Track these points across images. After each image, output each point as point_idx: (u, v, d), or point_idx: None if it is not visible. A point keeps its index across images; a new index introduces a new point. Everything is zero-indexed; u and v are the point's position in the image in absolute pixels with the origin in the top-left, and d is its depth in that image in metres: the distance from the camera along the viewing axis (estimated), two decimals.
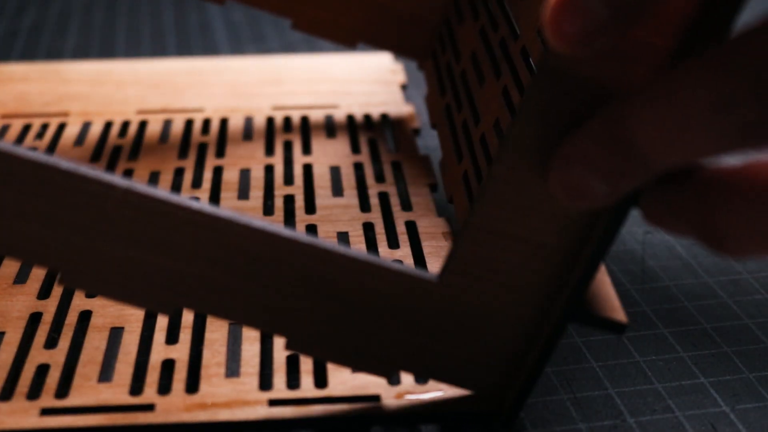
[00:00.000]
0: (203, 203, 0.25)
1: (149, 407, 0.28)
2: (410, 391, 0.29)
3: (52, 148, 0.41)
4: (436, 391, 0.29)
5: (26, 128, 0.43)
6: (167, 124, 0.43)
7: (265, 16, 0.65)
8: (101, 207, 0.24)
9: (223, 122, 0.44)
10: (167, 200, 0.25)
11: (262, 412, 0.28)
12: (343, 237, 0.35)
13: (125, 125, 0.43)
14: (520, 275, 0.25)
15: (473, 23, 0.37)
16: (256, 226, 0.25)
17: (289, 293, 0.26)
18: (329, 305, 0.26)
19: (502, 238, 0.25)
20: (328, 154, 0.41)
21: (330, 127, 0.43)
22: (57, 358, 0.30)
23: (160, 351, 0.30)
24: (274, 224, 0.25)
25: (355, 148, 0.41)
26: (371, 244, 0.35)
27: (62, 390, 0.29)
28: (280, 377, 0.29)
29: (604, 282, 0.27)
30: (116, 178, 0.24)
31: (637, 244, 0.37)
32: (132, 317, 0.32)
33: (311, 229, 0.36)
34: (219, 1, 0.42)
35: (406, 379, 0.29)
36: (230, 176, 0.39)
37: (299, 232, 0.25)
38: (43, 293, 0.33)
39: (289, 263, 0.25)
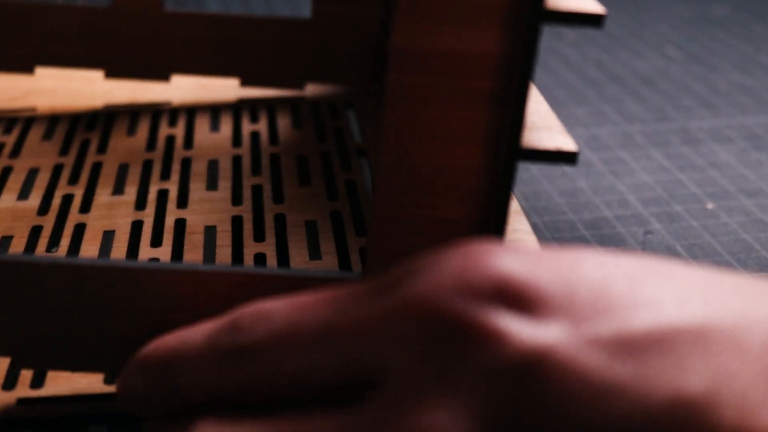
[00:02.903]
0: (121, 260, 0.25)
1: None
2: None
3: (20, 143, 0.41)
4: None
5: None
6: (135, 117, 0.44)
7: (263, 14, 0.65)
8: (32, 286, 0.25)
9: (190, 114, 0.44)
10: (91, 265, 0.25)
11: None
12: (312, 225, 0.36)
13: (93, 119, 0.44)
14: None
15: None
16: (184, 269, 0.25)
17: None
18: None
19: (408, 223, 0.26)
20: (295, 144, 0.41)
21: (296, 117, 0.44)
22: None
23: None
24: (196, 263, 0.26)
25: (322, 137, 0.42)
26: (339, 232, 0.36)
27: (37, 381, 0.29)
28: None
29: None
30: (39, 257, 0.25)
31: (637, 244, 0.38)
32: None
33: (280, 218, 0.36)
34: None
35: None
36: (198, 167, 0.39)
37: (224, 265, 0.26)
38: None
39: (221, 296, 0.26)
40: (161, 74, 0.44)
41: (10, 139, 0.42)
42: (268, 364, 0.22)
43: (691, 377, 0.17)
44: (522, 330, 0.19)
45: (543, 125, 0.28)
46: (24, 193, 0.37)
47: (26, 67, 0.43)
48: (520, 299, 0.19)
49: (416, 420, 0.19)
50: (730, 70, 0.55)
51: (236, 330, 0.23)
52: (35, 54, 0.43)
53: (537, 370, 0.18)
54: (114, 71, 0.44)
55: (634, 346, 0.18)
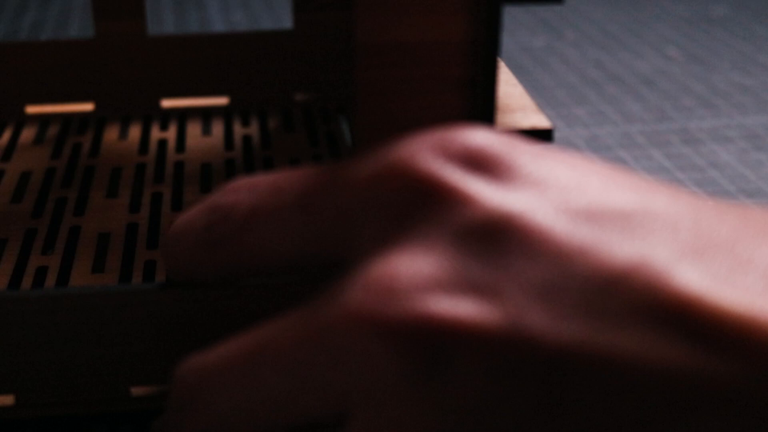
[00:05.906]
0: (109, 285, 0.25)
1: None
2: None
3: (11, 147, 0.41)
4: None
5: None
6: (126, 120, 0.44)
7: (265, 16, 0.65)
8: (25, 321, 0.25)
9: (182, 118, 0.44)
10: (80, 293, 0.25)
11: None
12: None
13: (84, 122, 0.43)
14: None
15: None
16: (177, 292, 0.25)
17: None
18: None
19: None
20: (288, 148, 0.41)
21: (288, 121, 0.44)
22: None
23: None
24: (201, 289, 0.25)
25: (314, 141, 0.42)
26: None
27: None
28: None
29: None
30: (28, 291, 0.25)
31: None
32: None
33: None
34: None
35: None
36: (192, 171, 0.39)
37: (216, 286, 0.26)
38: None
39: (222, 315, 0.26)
40: (151, 101, 0.44)
41: (1, 143, 0.41)
42: (244, 222, 0.23)
43: (657, 249, 0.17)
44: (492, 195, 0.19)
45: (517, 107, 0.28)
46: (17, 197, 0.37)
47: (17, 109, 0.43)
48: (492, 168, 0.19)
49: (376, 269, 0.19)
50: (730, 70, 0.55)
51: (223, 193, 0.24)
52: (25, 94, 0.43)
53: (503, 230, 0.18)
54: (104, 103, 0.44)
55: (604, 217, 0.18)
